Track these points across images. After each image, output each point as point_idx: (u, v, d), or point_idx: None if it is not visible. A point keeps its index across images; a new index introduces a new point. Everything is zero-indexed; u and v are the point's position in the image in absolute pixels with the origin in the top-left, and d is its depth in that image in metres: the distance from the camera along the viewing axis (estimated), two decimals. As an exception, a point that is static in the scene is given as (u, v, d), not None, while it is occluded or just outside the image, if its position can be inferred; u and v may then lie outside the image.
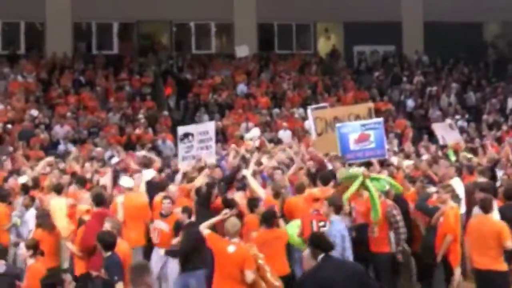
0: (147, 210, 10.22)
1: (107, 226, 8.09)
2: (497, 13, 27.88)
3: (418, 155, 14.45)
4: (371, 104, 13.28)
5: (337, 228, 8.03)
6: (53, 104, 21.17)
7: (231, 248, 7.49)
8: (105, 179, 11.32)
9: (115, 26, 26.42)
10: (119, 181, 10.72)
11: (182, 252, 8.95)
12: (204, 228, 8.06)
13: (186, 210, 9.39)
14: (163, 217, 9.72)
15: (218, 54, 26.44)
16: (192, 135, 12.95)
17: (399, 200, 9.58)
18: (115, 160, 14.64)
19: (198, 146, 12.81)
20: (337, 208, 8.28)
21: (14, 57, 23.88)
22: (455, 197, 9.15)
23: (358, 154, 11.86)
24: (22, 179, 11.48)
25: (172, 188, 10.35)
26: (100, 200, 9.18)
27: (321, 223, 8.53)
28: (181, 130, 13.32)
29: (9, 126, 19.00)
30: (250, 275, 7.32)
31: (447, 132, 15.25)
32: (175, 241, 9.33)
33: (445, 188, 9.19)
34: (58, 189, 10.59)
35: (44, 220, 9.28)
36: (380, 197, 9.10)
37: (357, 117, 12.47)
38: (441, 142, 15.87)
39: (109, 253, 7.33)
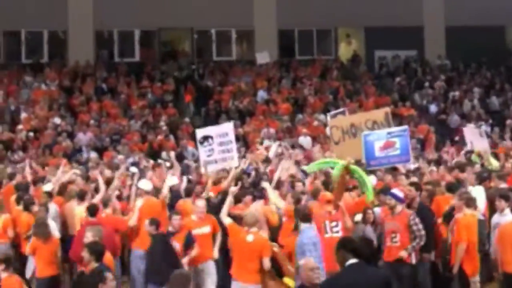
0: (162, 216, 10.06)
1: (88, 235, 8.16)
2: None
3: (440, 161, 14.34)
4: (387, 109, 13.14)
5: (308, 236, 8.16)
6: (75, 111, 21.37)
7: (250, 237, 8.18)
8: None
9: (136, 33, 26.63)
10: (138, 183, 10.78)
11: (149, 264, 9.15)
12: (225, 217, 8.80)
13: (153, 222, 9.30)
14: (170, 235, 9.15)
15: (239, 61, 26.51)
16: (212, 137, 12.69)
17: (424, 208, 9.49)
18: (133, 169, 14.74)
19: (219, 149, 12.50)
20: (305, 217, 8.41)
21: (38, 66, 24.17)
22: (470, 205, 9.01)
23: (382, 161, 11.77)
24: (47, 187, 11.56)
25: (201, 203, 9.68)
26: (93, 211, 9.69)
27: (333, 223, 8.90)
28: (199, 132, 13.00)
29: (32, 134, 19.19)
30: (267, 262, 8.02)
31: (476, 139, 15.05)
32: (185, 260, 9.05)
33: (460, 196, 9.15)
34: (82, 196, 10.71)
35: (40, 229, 9.37)
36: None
37: (374, 123, 12.34)
38: (469, 147, 15.70)
39: (98, 264, 7.24)
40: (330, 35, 28.23)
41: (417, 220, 8.94)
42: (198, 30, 27.17)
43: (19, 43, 25.58)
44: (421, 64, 27.35)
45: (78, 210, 10.50)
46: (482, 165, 13.32)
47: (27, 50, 25.55)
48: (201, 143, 12.74)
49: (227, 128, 12.93)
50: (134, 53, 26.57)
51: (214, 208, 9.82)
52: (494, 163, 13.74)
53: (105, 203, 10.27)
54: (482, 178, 11.45)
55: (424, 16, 27.91)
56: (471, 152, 15.04)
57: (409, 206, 9.58)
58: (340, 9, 26.61)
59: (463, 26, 26.85)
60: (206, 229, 9.50)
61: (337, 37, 28.37)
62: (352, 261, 5.73)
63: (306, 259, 6.36)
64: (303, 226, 8.34)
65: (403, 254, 8.85)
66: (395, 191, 9.38)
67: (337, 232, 8.86)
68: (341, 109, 16.40)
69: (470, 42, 26.52)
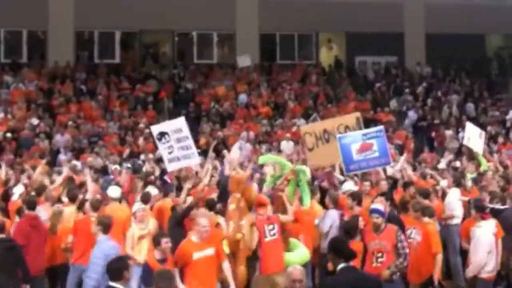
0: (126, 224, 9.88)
1: None
2: (499, 25, 27.87)
3: (415, 166, 14.46)
4: (358, 114, 13.17)
5: (102, 248, 8.07)
6: (54, 112, 21.19)
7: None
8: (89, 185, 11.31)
9: (117, 35, 26.51)
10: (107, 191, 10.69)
11: None
12: None
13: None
14: (160, 262, 7.82)
15: (220, 64, 26.47)
16: (168, 134, 12.41)
17: (394, 219, 9.27)
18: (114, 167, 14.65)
19: (177, 145, 12.14)
20: (105, 227, 8.29)
21: (16, 65, 23.95)
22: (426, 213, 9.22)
23: (362, 164, 11.76)
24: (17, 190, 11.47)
25: (204, 221, 8.08)
26: (32, 205, 9.71)
27: (270, 227, 8.89)
28: (155, 129, 12.27)
29: (9, 134, 18.99)
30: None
31: (475, 138, 15.14)
32: None
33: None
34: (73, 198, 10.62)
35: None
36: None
37: (347, 128, 12.35)
38: (464, 141, 15.82)
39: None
40: (311, 40, 28.32)
41: (402, 237, 8.40)
42: (179, 33, 27.11)
43: (-3, 42, 25.40)
44: (401, 70, 27.51)
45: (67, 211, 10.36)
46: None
47: (6, 50, 25.32)
48: (159, 139, 12.32)
49: (180, 123, 12.12)
50: (115, 54, 26.44)
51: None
52: (484, 166, 13.96)
53: (96, 206, 9.89)
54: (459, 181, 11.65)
55: (404, 22, 28.10)
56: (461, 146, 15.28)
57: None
58: (322, 14, 26.68)
59: (443, 33, 27.06)
60: (209, 252, 7.99)
61: (318, 42, 28.46)
62: (343, 265, 6.05)
63: (291, 268, 6.26)
64: (101, 237, 8.22)
65: (385, 273, 8.14)
66: (377, 206, 8.73)
67: (274, 235, 8.86)
68: (312, 116, 16.41)
69: (450, 49, 26.73)
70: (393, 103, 24.48)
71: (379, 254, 8.31)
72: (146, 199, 10.38)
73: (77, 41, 25.51)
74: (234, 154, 15.65)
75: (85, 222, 9.69)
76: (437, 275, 8.74)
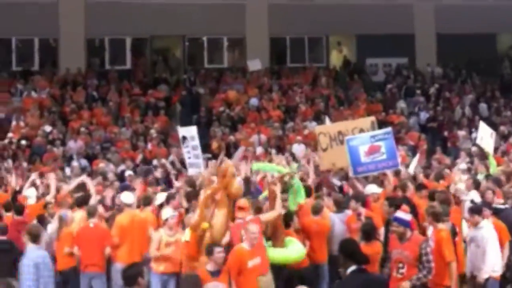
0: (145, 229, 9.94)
1: None
2: (510, 24, 27.71)
3: (430, 168, 14.36)
4: (373, 118, 13.20)
5: (30, 257, 7.97)
6: (66, 119, 21.29)
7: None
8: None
9: (128, 41, 26.60)
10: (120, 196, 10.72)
11: None
12: None
13: None
14: (213, 275, 7.38)
15: (231, 68, 26.50)
16: (187, 139, 12.51)
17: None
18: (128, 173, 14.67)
19: (193, 153, 12.35)
20: (34, 236, 8.19)
21: (28, 73, 24.09)
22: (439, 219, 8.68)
23: (370, 167, 11.72)
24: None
25: (253, 228, 8.14)
26: (20, 209, 10.18)
27: None
28: (181, 131, 12.75)
29: (23, 142, 19.09)
30: None
31: (487, 138, 15.04)
32: None
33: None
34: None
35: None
36: None
37: (361, 131, 12.36)
38: (477, 140, 15.76)
39: None
40: (321, 43, 28.29)
41: (429, 249, 7.88)
42: (189, 38, 27.17)
43: (9, 50, 25.51)
44: (412, 71, 27.42)
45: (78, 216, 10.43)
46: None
47: (18, 58, 25.47)
48: (183, 143, 12.52)
49: (193, 132, 12.49)
50: (126, 60, 26.53)
51: None
52: (494, 167, 13.80)
53: (92, 212, 9.99)
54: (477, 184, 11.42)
55: (415, 24, 28.01)
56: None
57: (387, 224, 9.33)
58: (332, 17, 26.67)
59: (454, 34, 26.97)
60: (257, 260, 8.01)
61: (328, 45, 28.42)
62: (353, 268, 5.97)
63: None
64: (30, 246, 8.13)
65: (405, 285, 7.74)
66: (401, 214, 8.35)
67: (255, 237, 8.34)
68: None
69: (461, 49, 26.62)
70: (401, 104, 24.37)
71: (400, 265, 7.95)
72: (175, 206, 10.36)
73: (88, 48, 25.61)
74: (235, 160, 15.64)
75: (85, 229, 9.84)
76: (454, 286, 8.24)
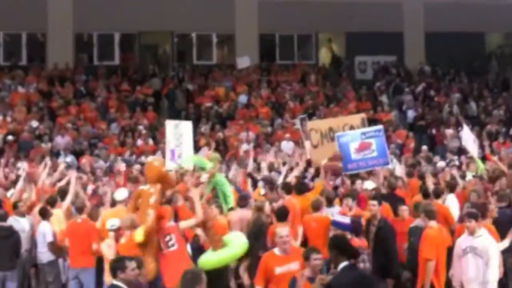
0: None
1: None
2: (499, 23, 27.85)
3: (415, 165, 14.40)
4: (363, 115, 13.27)
5: None
6: (54, 115, 21.18)
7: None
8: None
9: (116, 37, 26.48)
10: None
11: None
12: None
13: None
14: (310, 281, 6.57)
15: (220, 65, 26.45)
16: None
17: (385, 225, 9.13)
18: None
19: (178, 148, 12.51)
20: None
21: (16, 68, 23.94)
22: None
23: (360, 164, 11.78)
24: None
25: (283, 231, 7.56)
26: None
27: (167, 238, 8.23)
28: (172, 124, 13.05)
29: (10, 137, 18.98)
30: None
31: (470, 143, 15.09)
32: None
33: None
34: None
35: None
36: None
37: (351, 128, 12.42)
38: (462, 142, 15.86)
39: None
40: (310, 40, 28.29)
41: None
42: (178, 34, 27.08)
43: (-4, 45, 25.41)
44: (401, 69, 27.48)
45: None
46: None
47: (5, 53, 25.30)
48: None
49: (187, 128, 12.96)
50: (114, 56, 26.43)
51: None
52: (481, 169, 13.85)
53: (80, 208, 9.98)
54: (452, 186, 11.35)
55: (404, 22, 28.07)
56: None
57: (369, 223, 9.31)
58: (321, 14, 26.66)
59: (442, 32, 27.02)
60: (293, 266, 7.26)
61: (318, 42, 28.43)
62: (344, 264, 5.92)
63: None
64: None
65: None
66: (339, 218, 8.46)
67: (172, 245, 8.17)
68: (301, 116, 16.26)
69: (449, 48, 26.70)
70: (383, 99, 24.38)
71: None
72: None
73: (76, 43, 25.49)
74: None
75: (73, 225, 9.86)
76: (426, 285, 8.15)
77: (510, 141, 20.55)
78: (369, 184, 11.04)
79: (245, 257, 9.57)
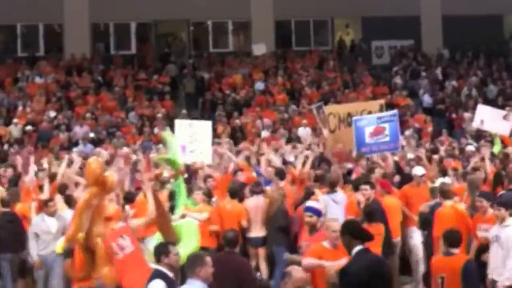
0: None
1: None
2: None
3: (436, 150, 14.24)
4: (382, 101, 13.27)
5: None
6: (72, 105, 21.35)
7: None
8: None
9: (132, 26, 26.57)
10: None
11: None
12: None
13: None
14: None
15: (236, 52, 26.44)
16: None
17: (375, 207, 8.93)
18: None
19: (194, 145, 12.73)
20: None
21: (34, 59, 24.14)
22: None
23: (373, 148, 11.86)
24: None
25: (334, 225, 7.22)
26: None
27: (120, 240, 7.41)
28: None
29: (29, 127, 19.16)
30: None
31: (494, 120, 14.66)
32: None
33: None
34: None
35: None
36: None
37: (370, 113, 12.42)
38: (476, 124, 15.52)
39: None
40: (326, 26, 28.16)
41: None
42: (194, 22, 27.10)
43: (14, 37, 25.57)
44: (418, 53, 27.28)
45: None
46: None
47: (23, 44, 25.53)
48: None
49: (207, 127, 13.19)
50: (131, 45, 26.53)
51: None
52: (498, 148, 13.62)
53: (69, 202, 9.74)
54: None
55: (421, 5, 27.81)
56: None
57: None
58: (337, 0, 26.53)
59: (460, 15, 26.76)
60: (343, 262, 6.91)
61: (334, 27, 28.29)
62: (358, 248, 5.92)
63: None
64: None
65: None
66: (313, 203, 8.22)
67: (127, 246, 7.36)
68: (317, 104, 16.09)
69: (467, 31, 26.45)
70: (401, 83, 24.18)
71: None
72: None
73: (93, 33, 25.66)
74: None
75: None
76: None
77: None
78: (419, 170, 10.59)
79: (262, 248, 9.69)
